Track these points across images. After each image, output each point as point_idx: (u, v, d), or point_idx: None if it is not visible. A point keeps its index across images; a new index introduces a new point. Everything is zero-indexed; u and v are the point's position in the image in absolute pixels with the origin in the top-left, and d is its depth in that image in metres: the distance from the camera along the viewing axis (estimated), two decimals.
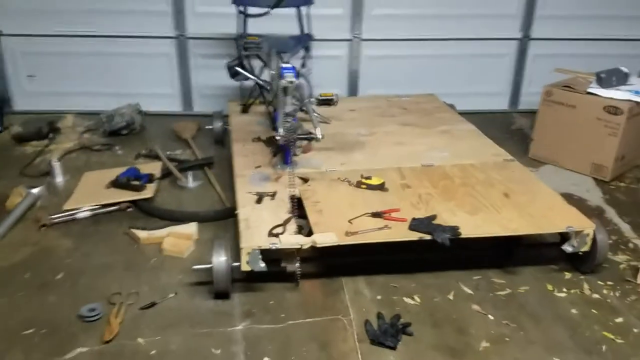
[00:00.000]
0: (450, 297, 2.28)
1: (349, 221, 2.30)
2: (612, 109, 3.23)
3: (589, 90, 3.35)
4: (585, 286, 2.36)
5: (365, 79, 4.31)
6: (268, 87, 3.25)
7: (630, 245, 2.68)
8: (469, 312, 2.19)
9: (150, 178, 2.99)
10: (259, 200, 2.44)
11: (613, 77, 3.36)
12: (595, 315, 2.20)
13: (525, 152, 3.66)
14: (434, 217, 2.33)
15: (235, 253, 2.21)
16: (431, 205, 2.45)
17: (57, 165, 3.11)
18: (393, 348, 1.98)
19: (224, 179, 3.22)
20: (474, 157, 2.95)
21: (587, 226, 2.32)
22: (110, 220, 2.77)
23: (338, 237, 2.17)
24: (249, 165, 2.81)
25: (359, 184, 2.60)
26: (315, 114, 2.97)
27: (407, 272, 2.40)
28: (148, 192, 2.90)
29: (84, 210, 2.78)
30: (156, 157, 3.46)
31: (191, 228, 2.64)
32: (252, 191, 2.52)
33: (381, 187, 2.58)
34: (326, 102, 2.76)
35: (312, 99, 2.67)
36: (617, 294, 2.32)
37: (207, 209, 2.84)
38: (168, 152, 3.52)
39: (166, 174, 3.21)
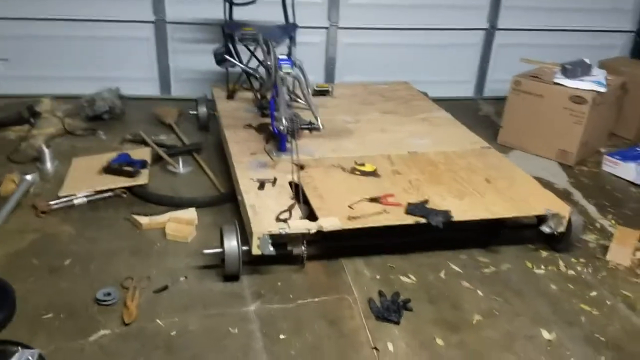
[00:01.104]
0: (442, 275, 2.47)
1: (349, 206, 2.44)
2: (578, 99, 3.48)
3: (556, 80, 3.59)
4: (561, 263, 2.60)
5: (341, 66, 4.44)
6: (257, 75, 3.33)
7: (597, 225, 2.94)
8: (460, 289, 2.39)
9: (143, 164, 3.05)
10: (261, 187, 2.55)
11: (578, 68, 3.62)
12: (572, 290, 2.43)
13: (493, 138, 3.88)
14: (426, 201, 2.51)
15: (243, 237, 2.32)
16: (421, 191, 2.62)
17: (47, 152, 3.11)
18: (397, 323, 2.15)
19: (214, 165, 3.30)
20: (453, 144, 3.14)
21: (564, 209, 2.55)
22: (107, 206, 2.83)
23: (341, 221, 2.32)
24: (244, 151, 2.91)
25: (353, 170, 2.75)
26: (302, 102, 3.09)
27: (401, 253, 2.57)
28: (143, 178, 2.96)
29: (80, 197, 2.81)
30: (142, 142, 3.50)
31: (191, 213, 2.73)
32: (253, 178, 2.62)
33: (374, 174, 2.73)
34: (322, 92, 2.87)
35: (310, 89, 2.78)
36: (590, 270, 2.57)
37: (204, 195, 2.93)
38: (153, 137, 3.56)
39: (156, 159, 3.27)
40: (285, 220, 2.29)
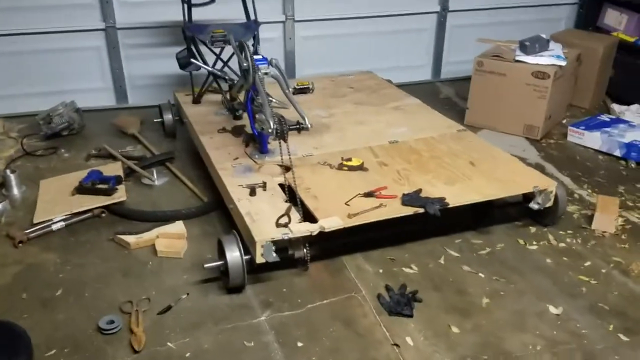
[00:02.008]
0: (442, 261, 2.49)
1: (346, 203, 2.42)
2: (540, 74, 3.57)
3: (517, 58, 3.67)
4: (550, 237, 2.67)
5: (301, 59, 4.39)
6: (226, 77, 3.24)
7: (576, 196, 3.04)
8: (461, 273, 2.41)
9: (118, 180, 2.92)
10: (252, 193, 2.49)
11: (536, 44, 3.71)
12: (567, 262, 2.50)
13: (459, 120, 3.92)
14: (420, 190, 2.51)
15: (243, 246, 2.26)
16: (412, 180, 2.63)
17: (12, 177, 2.93)
18: (410, 316, 2.15)
19: (190, 173, 3.21)
20: (430, 130, 3.17)
21: (550, 184, 2.61)
22: (88, 229, 2.69)
23: (342, 220, 2.29)
24: (225, 157, 2.83)
25: (340, 167, 2.72)
26: (275, 100, 3.04)
27: (397, 244, 2.57)
28: (120, 195, 2.83)
29: (57, 221, 2.67)
30: (108, 157, 3.36)
31: (179, 226, 2.64)
32: (242, 184, 2.55)
33: (361, 168, 2.72)
34: (303, 90, 2.82)
35: (290, 89, 2.72)
36: (579, 241, 2.65)
37: (187, 206, 2.84)
38: (119, 150, 3.42)
39: (128, 173, 3.14)
40: (285, 225, 2.24)
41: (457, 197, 2.49)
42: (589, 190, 3.09)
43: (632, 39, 4.27)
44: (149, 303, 2.21)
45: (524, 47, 3.71)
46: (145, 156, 3.38)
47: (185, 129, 3.51)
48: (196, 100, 3.51)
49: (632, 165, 3.36)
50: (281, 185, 2.59)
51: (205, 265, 2.25)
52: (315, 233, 2.24)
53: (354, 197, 2.47)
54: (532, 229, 2.73)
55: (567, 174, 3.28)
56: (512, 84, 3.67)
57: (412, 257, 2.51)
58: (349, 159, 2.75)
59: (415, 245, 2.59)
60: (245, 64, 2.57)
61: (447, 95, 4.52)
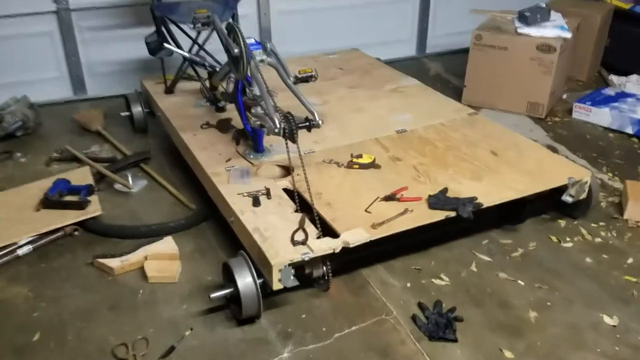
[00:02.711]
0: (474, 268, 2.21)
1: (366, 210, 2.10)
2: (545, 47, 3.30)
3: (519, 30, 3.39)
4: (584, 231, 2.43)
5: (277, 37, 3.99)
6: (206, 63, 2.84)
7: (598, 181, 2.81)
8: (498, 282, 2.15)
9: (90, 189, 2.51)
10: (255, 202, 2.13)
11: (537, 15, 3.43)
12: (608, 260, 2.27)
13: (456, 99, 3.64)
14: (445, 190, 2.22)
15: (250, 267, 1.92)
16: (432, 177, 2.33)
17: None
18: (455, 340, 1.87)
19: (170, 175, 2.82)
20: (438, 115, 2.86)
21: (584, 175, 2.35)
22: (60, 252, 2.30)
23: (367, 232, 1.98)
24: (215, 159, 2.46)
25: (350, 165, 2.39)
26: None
27: (419, 250, 2.28)
28: (94, 208, 2.43)
29: (24, 245, 2.26)
30: (73, 160, 2.93)
31: (169, 244, 2.27)
32: (241, 192, 2.20)
33: (374, 165, 2.40)
34: (305, 79, 2.46)
35: (291, 78, 2.36)
36: (614, 234, 2.41)
37: (174, 217, 2.46)
38: (85, 151, 2.99)
39: (98, 179, 2.73)
40: (303, 242, 1.91)
41: (489, 195, 2.20)
42: (610, 174, 2.86)
43: (626, 6, 4.05)
44: (147, 345, 1.86)
45: (524, 18, 3.43)
46: (116, 157, 2.96)
47: (158, 123, 3.10)
48: (169, 90, 3.09)
49: None
50: (287, 191, 2.25)
51: (212, 296, 1.90)
52: (338, 250, 1.92)
53: (374, 201, 2.15)
54: (562, 223, 2.48)
55: (582, 156, 3.05)
56: (515, 58, 3.40)
57: (439, 265, 2.22)
58: (359, 156, 2.42)
59: (440, 251, 2.31)
60: (236, 51, 2.19)
61: (437, 72, 4.23)
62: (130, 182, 2.70)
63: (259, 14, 3.89)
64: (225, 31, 2.28)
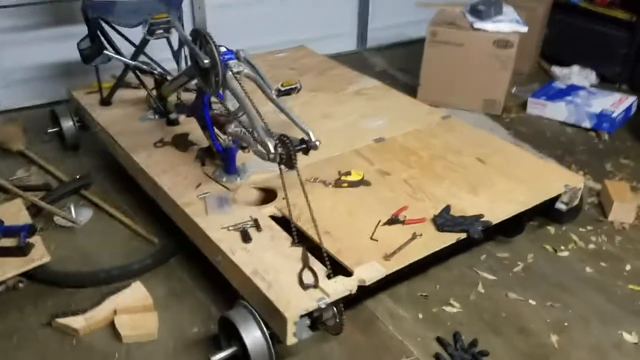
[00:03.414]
0: (481, 289, 2.06)
1: (372, 238, 1.88)
2: (502, 43, 3.22)
3: (475, 25, 3.28)
4: (575, 238, 2.36)
5: (214, 33, 3.56)
6: (155, 71, 2.45)
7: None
8: (510, 303, 2.01)
9: (31, 229, 2.09)
10: (245, 237, 1.84)
11: (491, 8, 3.34)
12: (607, 268, 2.20)
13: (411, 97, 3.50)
14: (448, 208, 2.04)
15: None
16: (428, 192, 2.15)
17: None
18: None
19: (118, 200, 2.45)
20: (410, 119, 2.68)
21: (578, 181, 2.27)
22: (6, 310, 1.89)
23: (382, 265, 1.76)
24: (181, 184, 2.12)
25: (339, 184, 2.16)
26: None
27: (419, 272, 2.10)
28: (40, 253, 2.02)
29: None
30: None
31: (139, 291, 1.93)
32: (225, 225, 1.90)
33: (363, 182, 2.18)
34: (287, 92, 2.18)
35: (273, 91, 2.07)
36: (605, 238, 2.36)
37: (137, 255, 2.11)
38: (10, 178, 2.54)
39: (35, 213, 2.31)
40: (315, 285, 1.66)
41: (493, 210, 2.05)
42: (580, 173, 2.83)
43: None
44: None
45: (478, 12, 3.33)
46: (50, 184, 2.53)
47: (91, 136, 2.70)
48: (106, 101, 2.68)
49: (605, 138, 3.16)
50: (275, 219, 1.98)
51: (213, 358, 1.60)
52: (354, 291, 1.69)
53: (377, 226, 1.94)
54: (551, 230, 2.40)
55: (548, 154, 3.00)
56: (471, 55, 3.29)
57: (445, 289, 2.05)
58: (348, 173, 2.19)
59: (440, 271, 2.14)
60: (206, 61, 1.87)
61: (382, 68, 4.05)
62: (74, 214, 2.30)
63: (193, 8, 3.52)
64: (190, 38, 1.95)
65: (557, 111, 3.32)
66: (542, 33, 4.04)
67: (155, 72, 2.43)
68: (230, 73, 1.89)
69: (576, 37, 3.95)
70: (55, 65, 3.20)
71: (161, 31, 2.13)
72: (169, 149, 2.36)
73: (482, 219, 1.98)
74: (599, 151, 3.05)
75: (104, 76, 2.72)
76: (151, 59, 2.62)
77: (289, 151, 1.75)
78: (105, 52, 2.41)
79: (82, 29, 2.57)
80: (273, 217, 2.00)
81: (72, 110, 2.78)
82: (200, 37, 1.92)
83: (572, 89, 3.48)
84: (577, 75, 3.82)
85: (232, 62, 1.91)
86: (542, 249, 2.29)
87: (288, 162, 1.77)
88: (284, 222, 1.95)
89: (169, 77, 2.40)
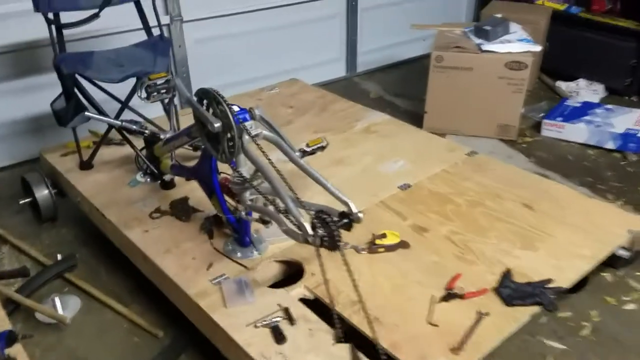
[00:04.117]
0: None
1: (430, 323, 1.57)
2: (515, 65, 2.96)
3: (483, 47, 3.02)
4: (635, 285, 2.09)
5: (196, 70, 3.31)
6: (144, 132, 2.10)
7: None
8: None
9: (10, 337, 1.72)
10: (279, 337, 1.51)
11: (498, 28, 3.09)
12: None
13: (415, 125, 3.20)
14: (509, 273, 1.75)
15: None
16: (477, 250, 1.85)
17: None
18: None
19: (110, 282, 2.09)
20: (432, 158, 2.40)
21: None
22: None
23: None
24: (190, 267, 1.78)
25: (373, 249, 1.84)
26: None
27: None
28: None
29: None
30: None
31: None
32: (252, 322, 1.56)
33: (402, 244, 1.87)
34: (313, 152, 1.86)
35: (297, 153, 1.75)
36: None
37: (139, 356, 1.76)
38: None
39: (11, 311, 1.93)
40: None
41: (562, 270, 1.76)
42: (618, 202, 2.58)
43: (562, 7, 3.87)
44: None
45: (484, 33, 3.07)
46: (27, 268, 2.15)
47: (71, 204, 2.34)
48: (87, 164, 2.32)
49: (633, 159, 2.93)
50: (306, 302, 1.65)
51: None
52: None
53: (432, 306, 1.63)
54: (607, 277, 2.12)
55: (578, 182, 2.75)
56: (481, 79, 3.03)
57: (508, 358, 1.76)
58: (383, 235, 1.88)
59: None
60: (217, 125, 1.54)
61: (378, 94, 3.77)
62: (59, 308, 1.93)
63: (172, 47, 3.18)
64: (195, 99, 1.62)
65: (576, 133, 3.08)
66: (543, 47, 3.82)
67: (145, 132, 2.08)
68: (247, 137, 1.57)
69: (579, 49, 3.74)
70: (24, 121, 2.82)
71: (159, 93, 1.78)
72: (168, 220, 2.02)
73: (552, 285, 1.70)
74: (630, 175, 2.81)
75: (81, 131, 2.37)
76: (139, 114, 2.27)
77: (332, 231, 1.42)
78: (86, 113, 2.06)
79: (51, 78, 2.22)
80: (304, 300, 1.67)
81: (46, 175, 2.40)
82: (209, 97, 1.58)
83: (588, 107, 3.24)
84: (585, 89, 3.61)
85: (248, 124, 1.58)
86: (602, 301, 2.02)
87: (331, 243, 1.44)
88: (318, 305, 1.64)
89: (162, 136, 2.06)
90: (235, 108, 1.61)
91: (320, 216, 1.44)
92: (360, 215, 1.51)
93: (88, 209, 2.16)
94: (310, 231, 1.43)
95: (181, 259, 1.82)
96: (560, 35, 3.79)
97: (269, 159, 1.55)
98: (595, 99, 3.51)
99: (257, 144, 1.56)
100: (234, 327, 1.56)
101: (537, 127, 3.25)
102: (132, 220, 2.00)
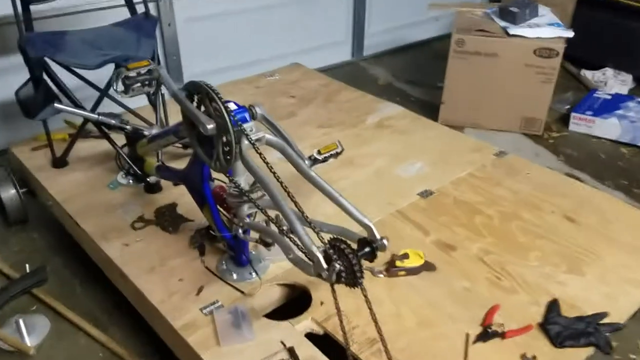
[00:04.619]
0: None
1: None
2: (546, 52, 2.66)
3: (510, 31, 2.71)
4: None
5: (187, 52, 2.99)
6: (126, 128, 1.80)
7: None
8: None
9: None
10: None
11: (525, 10, 2.78)
12: None
13: (429, 116, 2.89)
14: (557, 304, 1.47)
15: None
16: (515, 274, 1.58)
17: None
18: None
19: (85, 298, 1.80)
20: (458, 160, 2.12)
21: None
22: None
23: None
24: (177, 292, 1.49)
25: (393, 272, 1.56)
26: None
27: None
28: None
29: None
30: None
31: None
32: None
33: (428, 266, 1.59)
34: (326, 160, 1.57)
35: (307, 161, 1.46)
36: None
37: None
38: None
39: None
40: None
41: (616, 300, 1.50)
42: None
43: None
44: None
45: (511, 15, 2.76)
46: None
47: (43, 206, 2.05)
48: (60, 161, 2.02)
49: None
50: (311, 337, 1.38)
51: None
52: None
53: (467, 346, 1.35)
54: None
55: (612, 185, 2.46)
56: (506, 66, 2.72)
57: None
58: (405, 256, 1.60)
59: None
60: (210, 127, 1.25)
61: (387, 81, 3.46)
62: (25, 332, 1.65)
63: (162, 25, 2.86)
64: (183, 94, 1.32)
65: (608, 128, 2.79)
66: None
67: (127, 127, 1.78)
68: (246, 142, 1.27)
69: (605, 35, 3.43)
70: None
71: (140, 86, 1.48)
72: (153, 231, 1.73)
73: (607, 320, 1.42)
74: None
75: (55, 122, 2.07)
76: (121, 104, 1.97)
77: (352, 264, 1.13)
78: (55, 105, 1.75)
79: (19, 59, 1.91)
80: (311, 336, 1.40)
81: (14, 172, 2.10)
82: (201, 92, 1.28)
83: (620, 100, 2.95)
84: (613, 79, 3.31)
85: (247, 126, 1.28)
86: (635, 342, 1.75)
87: (350, 279, 1.15)
88: (327, 340, 1.37)
89: (146, 133, 1.76)
90: (232, 106, 1.31)
91: (337, 245, 1.15)
92: (385, 242, 1.22)
93: (60, 215, 1.87)
94: (324, 264, 1.14)
95: (167, 281, 1.53)
96: (585, 20, 3.48)
97: (267, 163, 1.24)
98: (624, 90, 3.21)
99: (259, 152, 1.26)
100: None
101: (563, 120, 2.96)
102: (111, 231, 1.71)
